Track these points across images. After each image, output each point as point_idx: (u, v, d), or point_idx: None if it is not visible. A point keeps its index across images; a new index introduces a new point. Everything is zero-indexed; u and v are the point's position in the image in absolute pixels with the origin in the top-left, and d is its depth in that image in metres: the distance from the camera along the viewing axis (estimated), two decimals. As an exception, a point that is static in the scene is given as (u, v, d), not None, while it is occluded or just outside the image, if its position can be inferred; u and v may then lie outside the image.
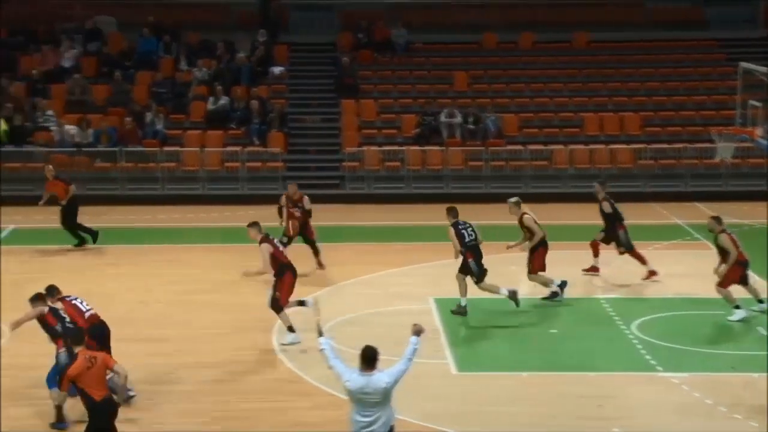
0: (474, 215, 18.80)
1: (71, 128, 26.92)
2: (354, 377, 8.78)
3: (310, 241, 18.57)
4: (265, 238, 14.36)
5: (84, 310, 12.02)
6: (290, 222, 18.45)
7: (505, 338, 15.07)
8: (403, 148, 27.47)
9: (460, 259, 15.43)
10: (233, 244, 20.01)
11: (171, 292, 17.38)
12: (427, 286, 17.33)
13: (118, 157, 26.51)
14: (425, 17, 31.38)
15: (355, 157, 27.28)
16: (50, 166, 21.73)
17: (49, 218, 21.65)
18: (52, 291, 12.10)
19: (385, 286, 17.41)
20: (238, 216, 21.90)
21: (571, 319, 15.79)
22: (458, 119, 27.94)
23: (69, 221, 20.46)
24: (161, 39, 30.08)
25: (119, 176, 26.50)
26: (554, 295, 16.27)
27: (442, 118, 27.97)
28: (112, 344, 12.06)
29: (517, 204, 16.16)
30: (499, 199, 25.31)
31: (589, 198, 19.04)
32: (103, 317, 13.98)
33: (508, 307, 15.63)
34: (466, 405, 12.23)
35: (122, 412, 11.67)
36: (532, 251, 16.17)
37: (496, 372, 13.45)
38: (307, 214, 18.53)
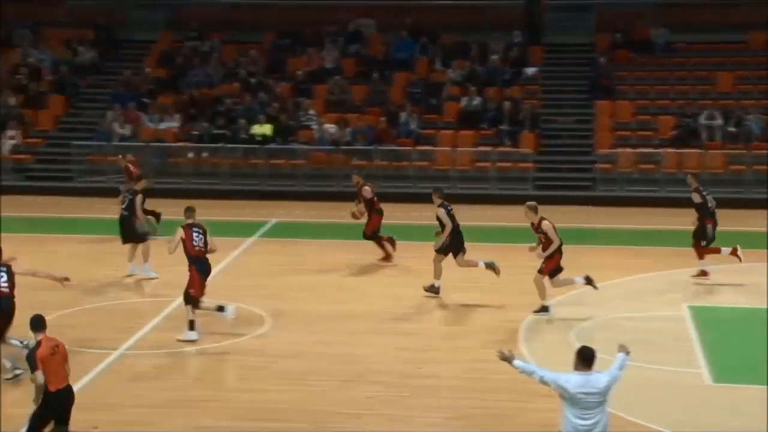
0: (735, 220, 18.00)
1: (330, 127, 28.00)
2: (571, 377, 8.67)
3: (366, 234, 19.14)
4: (188, 225, 14.29)
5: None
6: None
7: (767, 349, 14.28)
8: (659, 150, 26.65)
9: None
10: (482, 243, 20.07)
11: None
12: (680, 292, 16.75)
13: (373, 156, 27.33)
14: (687, 16, 30.19)
15: (608, 158, 26.74)
16: (123, 155, 22.35)
17: (306, 213, 22.60)
18: None
19: (637, 291, 16.93)
20: (487, 215, 21.98)
21: None
22: (719, 121, 26.78)
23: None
24: (418, 41, 30.72)
25: (374, 174, 27.26)
26: (544, 309, 15.50)
27: (702, 120, 26.90)
28: (361, 335, 12.28)
29: (534, 209, 15.51)
30: (764, 204, 24.14)
31: None
32: (356, 310, 14.27)
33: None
34: (718, 417, 11.68)
35: (371, 405, 12.03)
36: (548, 257, 15.50)
37: (755, 385, 12.74)
38: (363, 206, 19.16)
